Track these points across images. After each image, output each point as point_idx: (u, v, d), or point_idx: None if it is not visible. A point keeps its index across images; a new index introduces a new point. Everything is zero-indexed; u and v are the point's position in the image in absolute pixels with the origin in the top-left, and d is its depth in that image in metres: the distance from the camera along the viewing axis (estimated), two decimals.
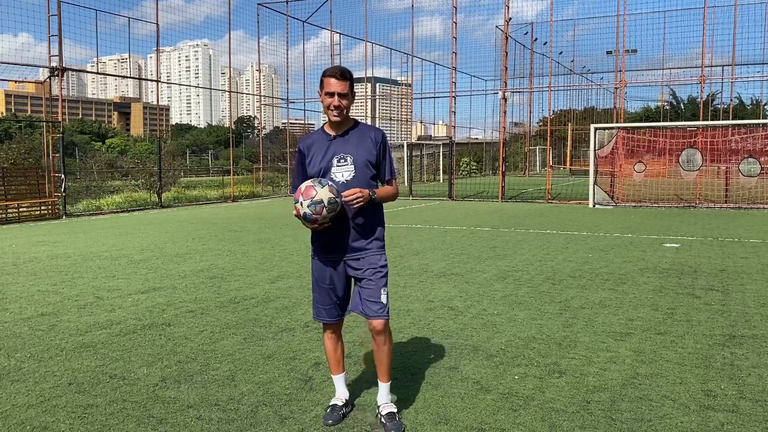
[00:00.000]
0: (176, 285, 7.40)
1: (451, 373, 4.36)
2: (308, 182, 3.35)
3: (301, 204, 3.29)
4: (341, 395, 3.72)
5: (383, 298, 3.49)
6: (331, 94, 3.41)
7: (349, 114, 3.55)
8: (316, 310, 3.67)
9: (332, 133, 3.52)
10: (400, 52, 33.53)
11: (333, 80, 3.40)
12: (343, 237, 3.48)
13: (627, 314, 5.95)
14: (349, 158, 3.45)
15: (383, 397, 3.62)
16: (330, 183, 3.34)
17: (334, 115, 3.43)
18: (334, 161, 3.45)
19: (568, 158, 30.45)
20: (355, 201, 3.34)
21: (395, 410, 3.59)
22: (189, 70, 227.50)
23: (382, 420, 3.52)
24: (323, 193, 3.27)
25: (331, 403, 3.69)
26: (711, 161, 20.33)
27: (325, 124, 3.61)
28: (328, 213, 3.29)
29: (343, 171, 3.44)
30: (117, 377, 4.30)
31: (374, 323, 3.48)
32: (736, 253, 9.71)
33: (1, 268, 8.69)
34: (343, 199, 3.34)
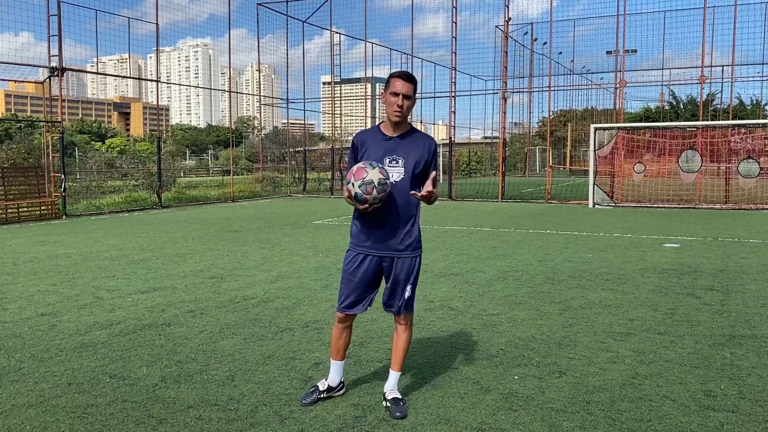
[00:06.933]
0: (176, 285, 7.40)
1: (451, 373, 4.36)
2: (360, 164, 3.49)
3: (353, 184, 3.43)
4: (330, 381, 3.88)
5: (406, 294, 3.69)
6: (396, 94, 3.53)
7: (406, 119, 3.67)
8: (339, 300, 3.79)
9: (388, 133, 3.65)
10: (400, 52, 33.49)
11: (399, 81, 3.53)
12: (382, 230, 3.62)
13: (627, 314, 5.95)
14: (401, 161, 3.60)
15: (390, 385, 3.80)
16: (380, 165, 3.47)
17: (396, 115, 3.55)
18: (386, 161, 3.59)
19: (568, 158, 30.43)
20: (433, 196, 3.47)
21: (400, 396, 3.74)
22: (189, 70, 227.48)
23: (387, 404, 3.68)
24: (373, 174, 3.40)
25: (314, 384, 3.94)
26: (711, 161, 20.32)
27: (381, 123, 3.74)
28: (378, 194, 3.42)
29: (393, 172, 3.58)
30: (117, 377, 4.29)
31: (396, 316, 3.79)
32: (736, 253, 9.71)
33: (1, 268, 8.68)
34: (425, 191, 3.45)
